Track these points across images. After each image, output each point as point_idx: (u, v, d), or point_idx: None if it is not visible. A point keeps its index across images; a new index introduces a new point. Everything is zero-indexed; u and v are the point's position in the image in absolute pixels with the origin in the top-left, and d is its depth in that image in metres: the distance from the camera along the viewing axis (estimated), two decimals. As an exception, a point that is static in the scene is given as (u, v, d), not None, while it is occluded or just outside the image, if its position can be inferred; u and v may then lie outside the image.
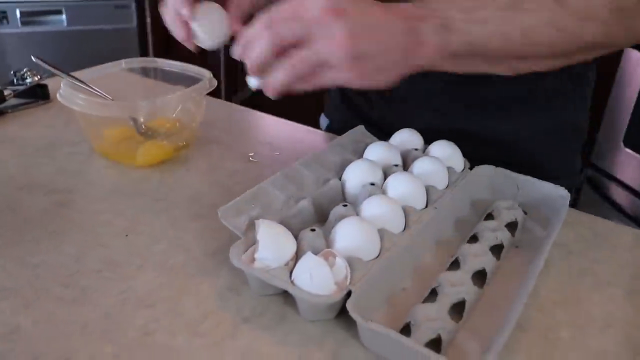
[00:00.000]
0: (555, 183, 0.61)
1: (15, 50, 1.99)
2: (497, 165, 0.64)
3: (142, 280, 0.49)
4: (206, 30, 0.59)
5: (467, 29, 0.49)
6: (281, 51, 0.47)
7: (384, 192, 0.57)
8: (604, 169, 1.76)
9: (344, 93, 0.87)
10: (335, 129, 0.86)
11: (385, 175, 0.60)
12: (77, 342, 0.42)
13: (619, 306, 0.49)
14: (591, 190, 1.78)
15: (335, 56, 0.46)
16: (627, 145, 1.67)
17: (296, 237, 0.49)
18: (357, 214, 0.52)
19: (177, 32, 0.59)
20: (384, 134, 0.71)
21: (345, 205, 0.52)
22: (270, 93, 0.50)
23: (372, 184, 0.56)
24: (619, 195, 1.71)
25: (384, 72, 0.49)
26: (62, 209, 0.59)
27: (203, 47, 0.61)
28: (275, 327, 0.45)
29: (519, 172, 0.63)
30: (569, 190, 0.61)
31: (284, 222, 0.51)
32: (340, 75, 0.47)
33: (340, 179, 0.60)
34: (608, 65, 1.53)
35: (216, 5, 0.60)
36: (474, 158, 0.67)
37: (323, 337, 0.44)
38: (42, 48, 2.02)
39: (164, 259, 0.52)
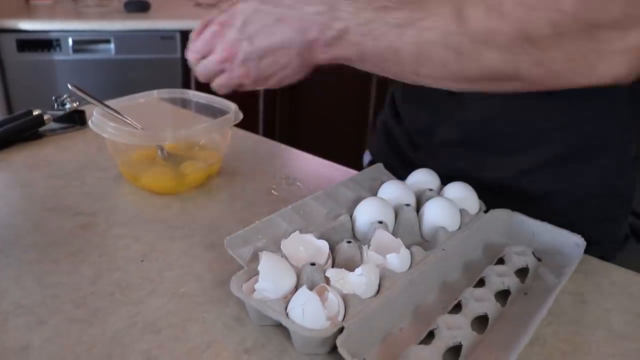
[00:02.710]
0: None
1: (66, 75, 2.10)
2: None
3: (152, 305, 0.51)
4: None
5: (359, 41, 0.52)
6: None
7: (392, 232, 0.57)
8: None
9: (388, 133, 0.87)
10: None
11: (397, 214, 0.60)
12: (82, 362, 0.44)
13: (629, 362, 0.48)
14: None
15: (219, 61, 0.58)
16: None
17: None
18: (362, 251, 0.53)
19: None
20: None
21: (349, 242, 0.53)
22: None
23: (381, 222, 0.57)
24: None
25: (278, 71, 0.57)
26: (84, 231, 0.62)
27: None
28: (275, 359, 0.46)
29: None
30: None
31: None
32: (231, 75, 0.59)
33: (351, 215, 0.61)
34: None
35: None
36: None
37: (319, 373, 0.45)
38: (91, 74, 2.13)
39: (175, 285, 0.54)
